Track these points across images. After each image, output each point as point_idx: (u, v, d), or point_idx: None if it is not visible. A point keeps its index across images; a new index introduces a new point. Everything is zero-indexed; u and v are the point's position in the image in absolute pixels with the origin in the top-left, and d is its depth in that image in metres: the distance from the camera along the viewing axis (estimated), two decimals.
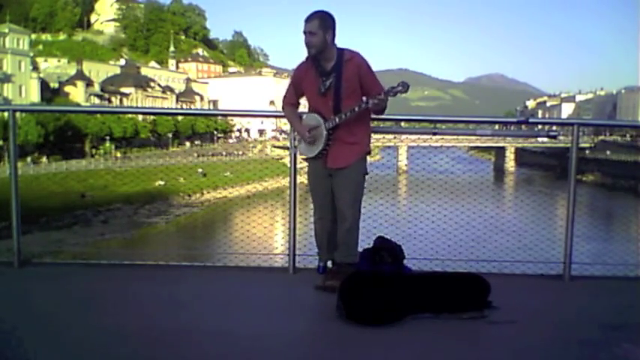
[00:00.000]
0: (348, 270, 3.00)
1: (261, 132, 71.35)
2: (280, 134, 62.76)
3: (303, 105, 3.38)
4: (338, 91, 3.07)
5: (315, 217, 3.31)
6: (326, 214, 3.25)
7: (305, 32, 3.05)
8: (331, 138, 3.13)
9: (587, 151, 50.00)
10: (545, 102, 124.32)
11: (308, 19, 3.05)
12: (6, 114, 3.86)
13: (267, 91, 75.88)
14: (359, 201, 3.20)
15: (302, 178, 3.66)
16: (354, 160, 3.16)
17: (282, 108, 3.38)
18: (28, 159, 36.60)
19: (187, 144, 56.83)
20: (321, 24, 3.03)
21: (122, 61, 73.37)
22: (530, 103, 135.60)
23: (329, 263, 3.32)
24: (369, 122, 3.26)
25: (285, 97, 3.36)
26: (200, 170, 35.35)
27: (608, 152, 53.95)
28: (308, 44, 3.06)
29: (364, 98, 3.02)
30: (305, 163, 3.36)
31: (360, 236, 3.20)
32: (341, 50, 3.10)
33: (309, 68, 3.16)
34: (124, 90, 60.91)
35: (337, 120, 3.08)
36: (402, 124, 3.96)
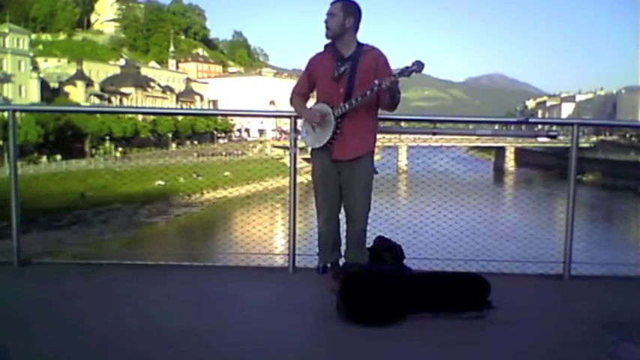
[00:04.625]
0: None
1: (261, 132, 71.32)
2: (280, 134, 62.72)
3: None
4: (352, 78, 2.99)
5: (322, 217, 3.15)
6: (334, 214, 3.14)
7: (326, 14, 3.04)
8: (339, 127, 3.00)
9: (586, 151, 49.94)
10: (545, 102, 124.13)
11: (333, 3, 3.05)
12: (6, 114, 3.86)
13: (267, 91, 75.82)
14: (370, 200, 3.13)
15: (302, 178, 3.66)
16: (362, 154, 3.07)
17: (290, 99, 3.28)
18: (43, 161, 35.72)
19: (174, 145, 54.94)
20: (344, 7, 3.02)
21: (122, 61, 73.26)
22: (530, 103, 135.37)
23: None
24: (376, 121, 3.20)
25: (295, 87, 3.29)
26: (195, 175, 34.86)
27: (605, 152, 53.90)
28: (325, 24, 3.03)
29: (376, 81, 2.84)
30: (305, 163, 3.33)
31: None
32: (362, 43, 3.09)
33: (325, 55, 3.11)
34: (123, 90, 60.83)
35: (347, 106, 2.97)
36: (402, 124, 3.95)
